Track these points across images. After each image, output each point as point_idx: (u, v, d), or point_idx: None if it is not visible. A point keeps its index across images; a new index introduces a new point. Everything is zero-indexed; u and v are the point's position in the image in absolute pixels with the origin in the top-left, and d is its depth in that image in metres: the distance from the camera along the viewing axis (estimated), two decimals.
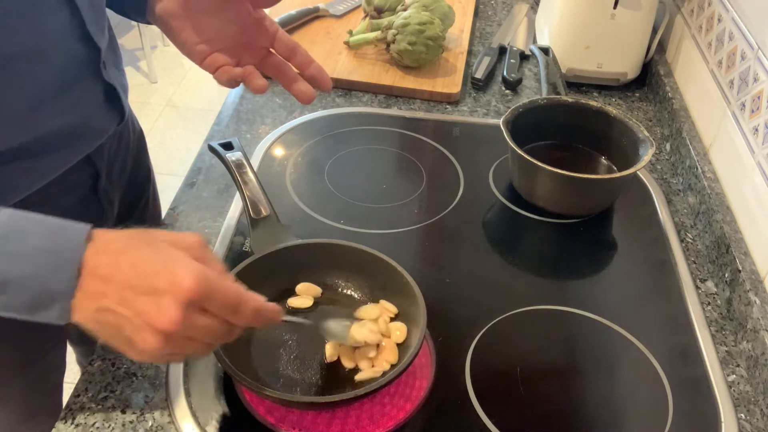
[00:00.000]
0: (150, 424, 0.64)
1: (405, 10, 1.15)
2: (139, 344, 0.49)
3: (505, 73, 1.14)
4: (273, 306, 0.55)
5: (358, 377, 0.64)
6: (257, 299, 0.54)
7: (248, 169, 0.78)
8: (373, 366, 0.65)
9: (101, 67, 0.72)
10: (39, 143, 0.68)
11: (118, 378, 0.67)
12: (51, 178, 0.72)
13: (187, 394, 0.65)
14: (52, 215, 0.75)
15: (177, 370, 0.67)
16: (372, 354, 0.66)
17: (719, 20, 0.96)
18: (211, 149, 0.82)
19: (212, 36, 0.70)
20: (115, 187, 0.87)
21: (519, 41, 1.26)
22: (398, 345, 0.67)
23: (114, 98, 0.76)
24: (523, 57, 1.20)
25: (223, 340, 0.53)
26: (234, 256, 0.80)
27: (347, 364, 0.66)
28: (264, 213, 0.75)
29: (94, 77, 0.72)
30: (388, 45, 1.12)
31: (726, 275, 0.80)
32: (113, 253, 0.51)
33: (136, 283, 0.49)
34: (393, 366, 0.65)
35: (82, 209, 0.81)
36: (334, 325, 0.65)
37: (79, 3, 0.65)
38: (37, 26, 0.62)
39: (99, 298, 0.50)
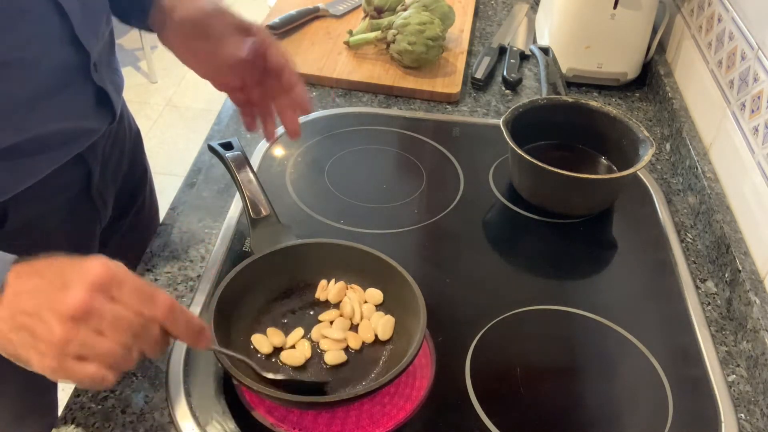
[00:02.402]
0: (150, 424, 0.64)
1: (405, 10, 1.15)
2: (45, 336, 0.48)
3: (505, 73, 1.14)
4: (196, 319, 0.54)
5: (352, 344, 0.68)
6: (173, 300, 0.52)
7: (248, 169, 0.78)
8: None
9: (92, 70, 0.71)
10: (27, 145, 0.68)
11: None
12: (39, 178, 0.71)
13: (187, 394, 0.65)
14: (45, 213, 0.74)
15: (177, 370, 0.67)
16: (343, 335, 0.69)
17: (719, 20, 0.96)
18: (211, 149, 0.82)
19: (213, 72, 0.76)
20: (109, 186, 0.86)
21: (519, 41, 1.26)
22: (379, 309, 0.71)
23: (105, 100, 0.76)
24: (523, 57, 1.20)
25: (141, 341, 0.50)
26: (234, 256, 0.79)
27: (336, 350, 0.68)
28: (264, 213, 0.75)
29: (84, 81, 0.72)
30: (388, 45, 1.12)
31: (726, 275, 0.80)
32: (34, 266, 0.51)
33: (50, 280, 0.49)
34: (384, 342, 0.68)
35: (75, 208, 0.81)
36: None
37: (67, 8, 0.65)
38: (24, 33, 0.62)
39: (15, 303, 0.49)
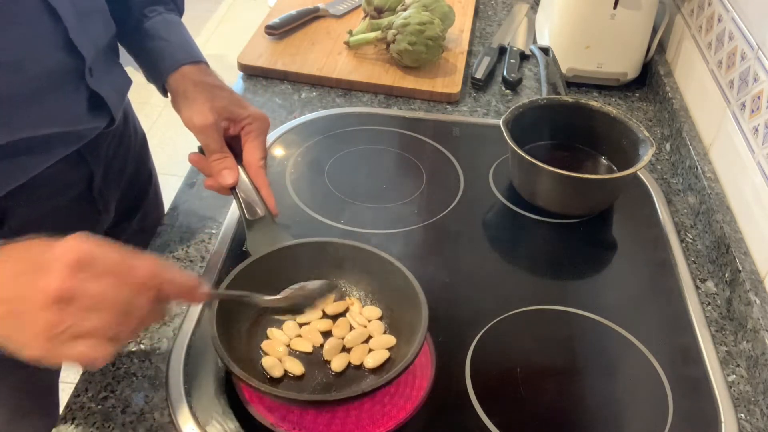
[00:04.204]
0: (150, 424, 0.64)
1: (405, 10, 1.15)
2: (29, 324, 0.47)
3: (505, 73, 1.14)
4: (186, 277, 0.53)
5: (369, 365, 0.66)
6: (154, 265, 0.51)
7: (240, 170, 0.76)
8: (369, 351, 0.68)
9: (87, 75, 0.70)
10: (16, 145, 0.67)
11: (118, 378, 0.67)
12: (30, 177, 0.70)
13: (187, 394, 0.65)
14: (45, 214, 0.74)
15: (177, 370, 0.67)
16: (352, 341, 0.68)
17: (719, 20, 0.96)
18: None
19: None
20: (112, 189, 0.86)
21: (519, 41, 1.26)
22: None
23: (100, 104, 0.74)
24: (523, 57, 1.20)
25: (132, 312, 0.49)
26: (234, 257, 0.79)
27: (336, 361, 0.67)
28: (260, 214, 0.74)
29: (78, 85, 0.71)
30: (388, 45, 1.12)
31: (726, 275, 0.80)
32: (9, 251, 0.50)
33: (26, 265, 0.48)
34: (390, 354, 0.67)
35: (76, 209, 0.80)
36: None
37: (61, 12, 0.64)
38: (13, 35, 0.61)
39: None
